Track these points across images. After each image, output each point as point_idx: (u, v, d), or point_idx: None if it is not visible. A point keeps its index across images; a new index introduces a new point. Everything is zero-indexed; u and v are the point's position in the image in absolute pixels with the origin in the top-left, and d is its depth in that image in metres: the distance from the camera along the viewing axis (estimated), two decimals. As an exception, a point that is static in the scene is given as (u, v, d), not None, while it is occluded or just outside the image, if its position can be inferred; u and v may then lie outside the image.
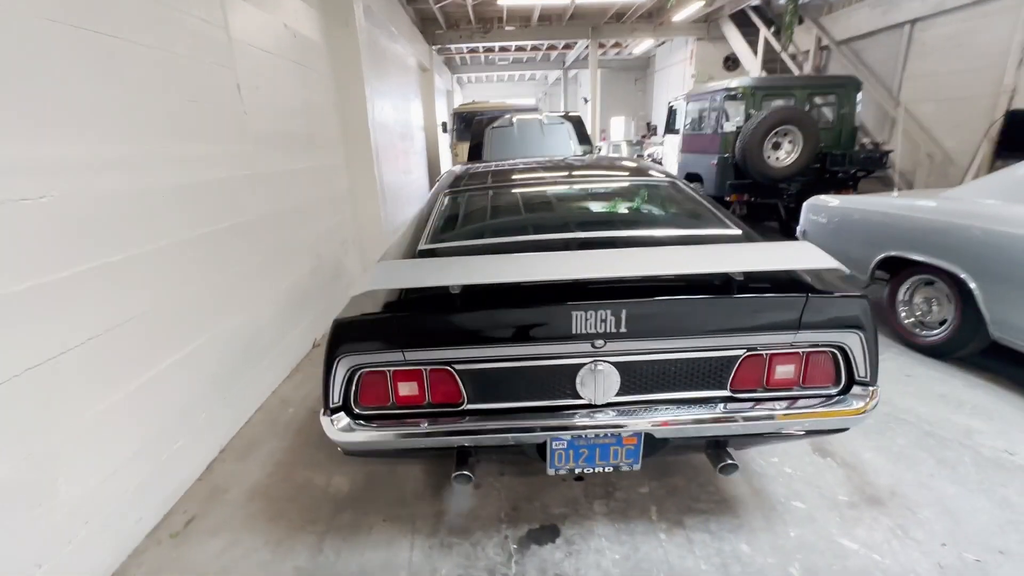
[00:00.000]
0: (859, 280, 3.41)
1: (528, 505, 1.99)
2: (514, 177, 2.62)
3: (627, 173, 2.62)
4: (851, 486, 2.04)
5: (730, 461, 1.59)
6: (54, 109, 1.62)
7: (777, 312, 1.48)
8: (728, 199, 5.81)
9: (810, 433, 1.63)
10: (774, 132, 5.21)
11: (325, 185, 4.09)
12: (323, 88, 4.21)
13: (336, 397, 1.50)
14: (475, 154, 5.32)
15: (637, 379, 1.54)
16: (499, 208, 2.31)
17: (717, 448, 1.66)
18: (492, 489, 2.08)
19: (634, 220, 2.29)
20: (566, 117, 5.61)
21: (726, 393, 1.56)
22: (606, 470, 1.62)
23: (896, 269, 3.29)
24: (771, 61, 8.77)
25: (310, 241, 3.69)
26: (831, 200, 3.88)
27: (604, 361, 1.50)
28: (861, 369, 1.55)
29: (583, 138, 5.22)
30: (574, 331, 1.43)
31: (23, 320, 1.47)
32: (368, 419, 1.55)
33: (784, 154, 5.34)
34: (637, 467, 1.61)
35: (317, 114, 4.02)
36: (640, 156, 9.84)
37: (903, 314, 3.30)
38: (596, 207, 2.40)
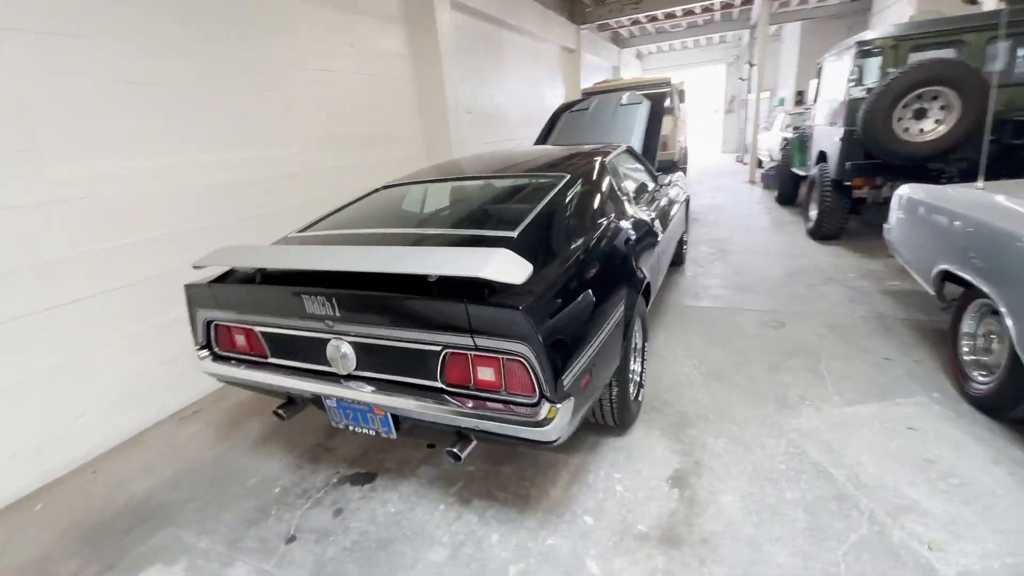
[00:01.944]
0: (526, 294, 2.62)
1: (373, 455, 2.37)
2: (437, 176, 2.83)
3: (527, 171, 2.61)
4: (666, 522, 1.84)
5: (450, 449, 1.70)
6: (107, 137, 2.60)
7: (448, 316, 1.53)
8: (849, 185, 4.67)
9: (515, 440, 1.62)
10: (916, 96, 3.98)
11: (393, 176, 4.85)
12: (398, 90, 4.93)
13: (200, 338, 2.14)
14: (541, 139, 5.43)
15: (369, 359, 1.78)
16: (385, 203, 2.62)
17: (458, 436, 1.77)
18: (364, 438, 2.51)
19: (461, 219, 2.39)
20: (653, 95, 5.22)
21: (439, 385, 1.68)
22: (370, 432, 1.90)
23: (965, 288, 2.44)
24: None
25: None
26: (905, 190, 2.97)
27: (340, 339, 1.78)
28: (542, 383, 1.48)
29: (653, 126, 4.78)
30: (307, 311, 1.76)
31: (81, 270, 2.49)
32: (226, 359, 2.15)
33: (932, 124, 4.03)
34: (392, 436, 1.85)
35: (387, 114, 4.77)
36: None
37: (965, 349, 2.44)
38: (457, 206, 2.55)
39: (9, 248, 2.26)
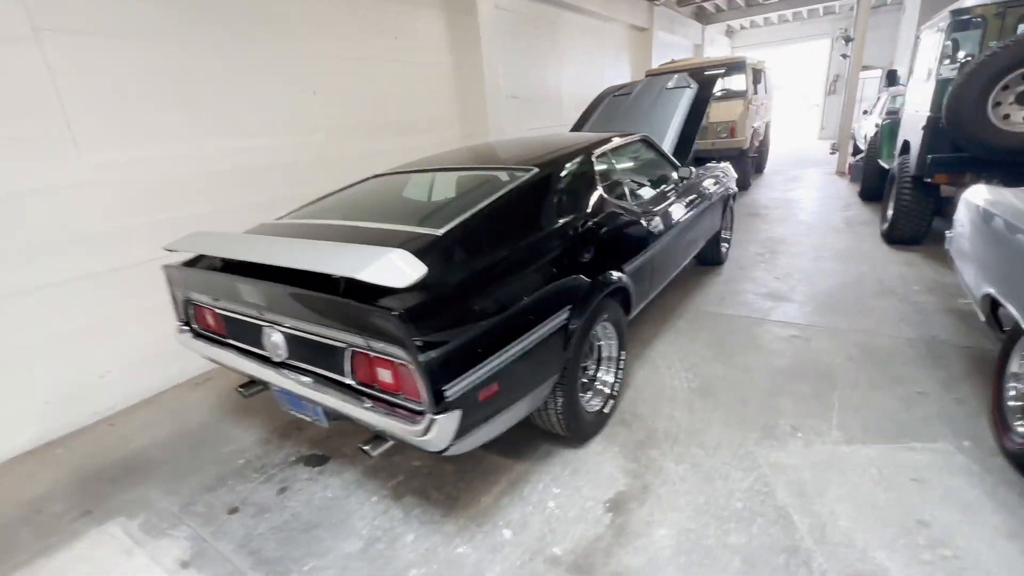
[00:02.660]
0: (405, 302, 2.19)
1: (337, 439, 2.45)
2: (424, 166, 2.78)
3: (499, 164, 2.48)
4: (584, 547, 1.72)
5: (362, 445, 1.70)
6: (139, 125, 2.86)
7: (343, 314, 1.50)
8: (932, 182, 3.97)
9: (412, 444, 1.56)
10: (1020, 76, 3.27)
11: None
12: (435, 75, 4.94)
13: (180, 316, 2.31)
14: (578, 125, 5.16)
15: (296, 350, 1.81)
16: (364, 193, 2.62)
17: (375, 434, 1.77)
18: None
19: (407, 214, 2.32)
20: (704, 77, 4.77)
21: (349, 381, 1.67)
22: (308, 419, 1.95)
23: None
24: None
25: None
26: (972, 192, 2.46)
27: (273, 328, 1.84)
28: (421, 391, 1.41)
29: (696, 112, 4.35)
30: (243, 299, 1.83)
31: (114, 243, 2.79)
32: (202, 336, 2.31)
33: (1041, 111, 3.30)
34: (324, 424, 1.89)
35: (422, 100, 4.80)
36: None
37: (1011, 394, 2.00)
38: (418, 199, 2.49)
39: (50, 222, 2.57)
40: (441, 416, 1.42)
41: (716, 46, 14.47)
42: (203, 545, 1.88)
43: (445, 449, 1.49)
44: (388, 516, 1.94)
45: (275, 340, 1.84)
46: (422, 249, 1.62)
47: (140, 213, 2.91)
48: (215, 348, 2.14)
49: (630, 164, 3.14)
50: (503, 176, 2.26)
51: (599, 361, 2.40)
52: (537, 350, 1.75)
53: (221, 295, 1.97)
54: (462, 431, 1.49)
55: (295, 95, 3.70)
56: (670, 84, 4.81)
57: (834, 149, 10.69)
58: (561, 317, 1.86)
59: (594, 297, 2.04)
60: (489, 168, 2.42)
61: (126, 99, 2.82)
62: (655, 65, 9.27)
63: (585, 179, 2.35)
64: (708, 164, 4.47)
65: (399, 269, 1.40)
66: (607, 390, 2.36)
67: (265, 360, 1.94)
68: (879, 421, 2.22)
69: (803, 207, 6.40)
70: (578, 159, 2.39)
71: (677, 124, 4.36)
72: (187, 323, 2.31)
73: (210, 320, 2.20)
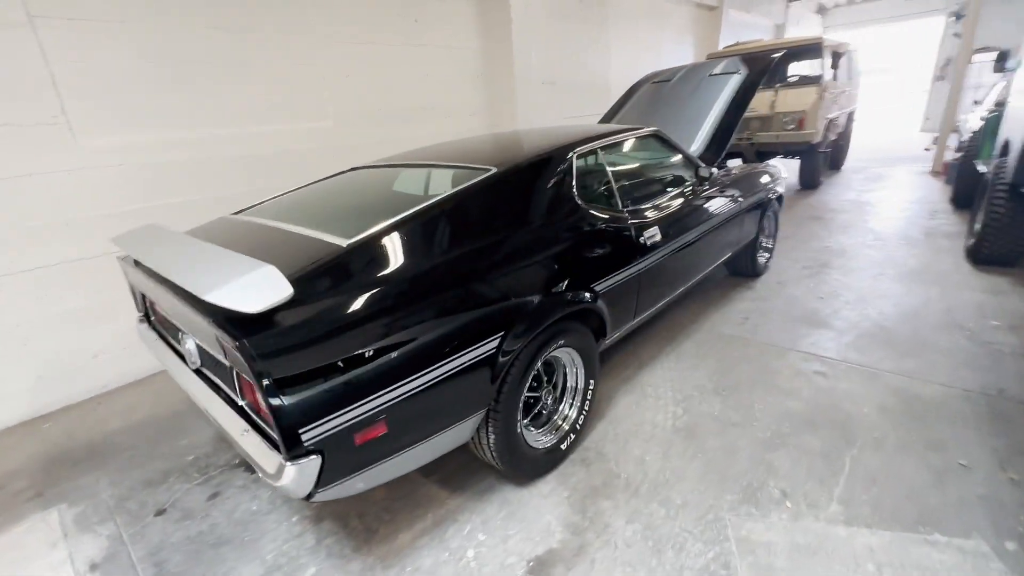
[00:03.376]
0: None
1: (284, 444, 2.36)
2: (388, 162, 2.57)
3: (451, 163, 2.21)
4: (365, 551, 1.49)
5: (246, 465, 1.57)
6: (136, 111, 2.89)
7: (205, 331, 1.34)
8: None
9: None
10: None
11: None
12: (459, 59, 4.71)
13: (139, 308, 2.30)
14: (609, 115, 4.71)
15: (205, 359, 1.70)
16: (315, 190, 2.46)
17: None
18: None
19: (335, 218, 2.09)
20: (757, 62, 4.18)
21: (240, 402, 1.53)
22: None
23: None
24: None
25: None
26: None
27: (187, 333, 1.73)
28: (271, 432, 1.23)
29: (740, 102, 3.80)
30: (159, 300, 1.74)
31: (110, 228, 2.86)
32: (157, 332, 2.28)
33: None
34: None
35: (444, 85, 4.61)
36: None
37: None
38: (369, 198, 2.27)
39: (46, 206, 2.66)
40: (293, 463, 1.24)
41: (804, 25, 13.05)
42: (119, 548, 1.85)
43: (309, 496, 1.31)
44: (299, 541, 1.81)
45: (189, 346, 1.75)
46: (314, 265, 1.43)
47: (138, 199, 2.96)
48: (161, 344, 2.10)
49: (632, 163, 2.78)
50: (461, 175, 2.02)
51: (563, 391, 2.12)
52: (451, 383, 1.52)
53: (148, 294, 1.91)
54: (328, 479, 1.30)
55: (303, 80, 3.63)
56: (717, 69, 4.30)
57: (934, 143, 9.32)
58: (488, 345, 1.61)
59: (545, 319, 1.76)
60: (451, 166, 2.18)
61: (124, 84, 2.84)
62: (722, 48, 8.46)
63: (555, 181, 2.05)
64: (742, 162, 3.94)
65: (255, 291, 1.22)
66: (567, 425, 2.08)
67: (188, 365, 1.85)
68: (897, 498, 1.78)
69: (878, 212, 5.58)
70: (550, 158, 2.09)
71: (716, 115, 3.87)
72: (147, 315, 2.30)
73: (156, 317, 2.16)
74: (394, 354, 1.39)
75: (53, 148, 2.66)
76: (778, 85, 6.73)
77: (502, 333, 1.64)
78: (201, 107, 3.15)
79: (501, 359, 1.64)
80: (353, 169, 2.69)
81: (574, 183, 2.11)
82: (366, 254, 1.52)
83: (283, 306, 1.26)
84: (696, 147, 3.70)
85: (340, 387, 1.29)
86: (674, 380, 2.61)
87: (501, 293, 1.67)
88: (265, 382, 1.18)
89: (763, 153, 7.03)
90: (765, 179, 3.69)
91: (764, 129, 6.58)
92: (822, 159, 7.04)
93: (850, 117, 8.36)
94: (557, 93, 5.91)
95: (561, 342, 1.90)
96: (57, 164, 2.68)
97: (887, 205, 5.85)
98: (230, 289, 1.21)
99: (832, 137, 7.34)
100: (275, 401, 1.19)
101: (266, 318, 1.25)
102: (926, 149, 8.94)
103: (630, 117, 4.40)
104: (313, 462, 1.26)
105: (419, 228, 1.65)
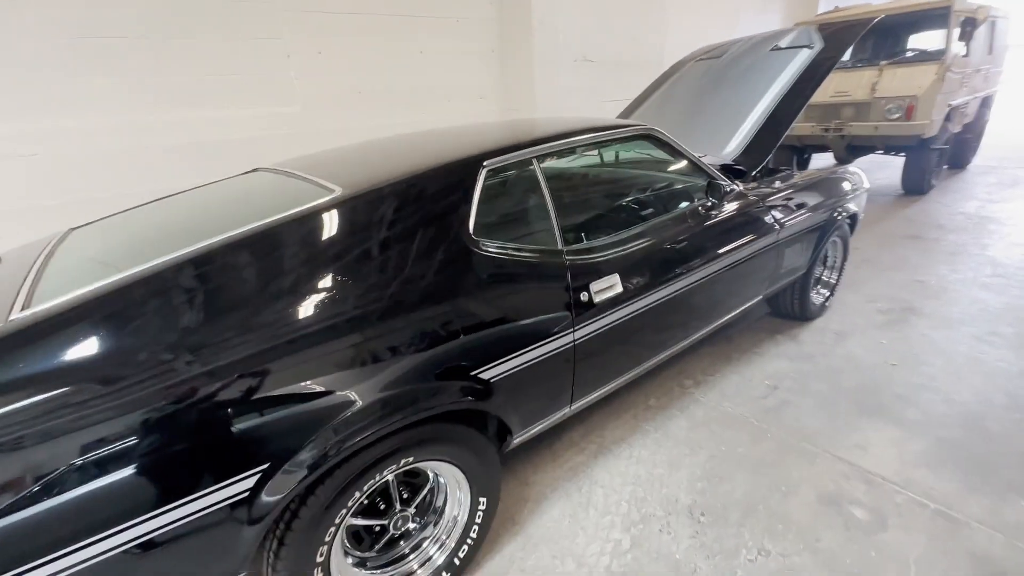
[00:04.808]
0: None
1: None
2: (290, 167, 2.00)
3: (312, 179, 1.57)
4: None
5: None
6: (54, 94, 2.57)
7: None
8: None
9: None
10: None
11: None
12: (464, 33, 4.05)
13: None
14: (636, 103, 3.80)
15: None
16: (178, 203, 1.92)
17: None
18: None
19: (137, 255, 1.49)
20: (840, 34, 3.11)
21: None
22: None
23: None
24: None
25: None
26: None
27: None
28: None
29: (806, 83, 2.79)
30: None
31: (23, 224, 2.60)
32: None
33: None
34: None
35: (444, 63, 3.98)
36: None
37: None
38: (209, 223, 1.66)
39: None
40: None
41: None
42: None
43: None
44: None
45: None
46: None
47: (52, 194, 2.67)
48: None
49: (595, 178, 2.02)
50: (309, 194, 1.40)
51: (439, 515, 1.49)
52: (167, 547, 0.96)
53: None
54: None
55: (263, 57, 3.17)
56: (782, 43, 3.30)
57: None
58: (234, 489, 1.02)
59: (357, 437, 1.13)
60: (307, 180, 1.57)
61: (37, 62, 2.52)
62: (819, 14, 6.99)
63: (434, 211, 1.37)
64: (834, 158, 2.97)
65: None
66: (426, 571, 1.45)
67: None
68: None
69: (1005, 233, 4.23)
70: (438, 176, 1.41)
71: (769, 102, 2.92)
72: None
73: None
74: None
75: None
76: (884, 62, 5.37)
77: (267, 465, 1.04)
78: (136, 89, 2.78)
79: (256, 506, 1.04)
80: (255, 170, 2.17)
81: (472, 212, 1.43)
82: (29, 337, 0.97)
83: None
84: (734, 145, 2.80)
85: None
86: (639, 482, 1.88)
87: (282, 398, 1.06)
88: None
89: (856, 148, 5.72)
90: (834, 192, 2.74)
91: (860, 118, 5.29)
92: (937, 157, 5.58)
93: (985, 103, 6.64)
94: (595, 73, 5.06)
95: (408, 460, 1.27)
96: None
97: (1020, 223, 4.44)
98: None
99: (955, 129, 5.81)
100: None
101: None
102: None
103: (656, 107, 3.53)
104: None
105: (170, 288, 1.08)
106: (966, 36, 5.21)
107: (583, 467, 1.97)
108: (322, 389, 1.11)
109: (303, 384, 1.09)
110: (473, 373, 1.33)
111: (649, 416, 2.23)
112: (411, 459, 1.27)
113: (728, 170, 2.61)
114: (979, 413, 2.12)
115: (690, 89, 3.50)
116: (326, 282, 1.20)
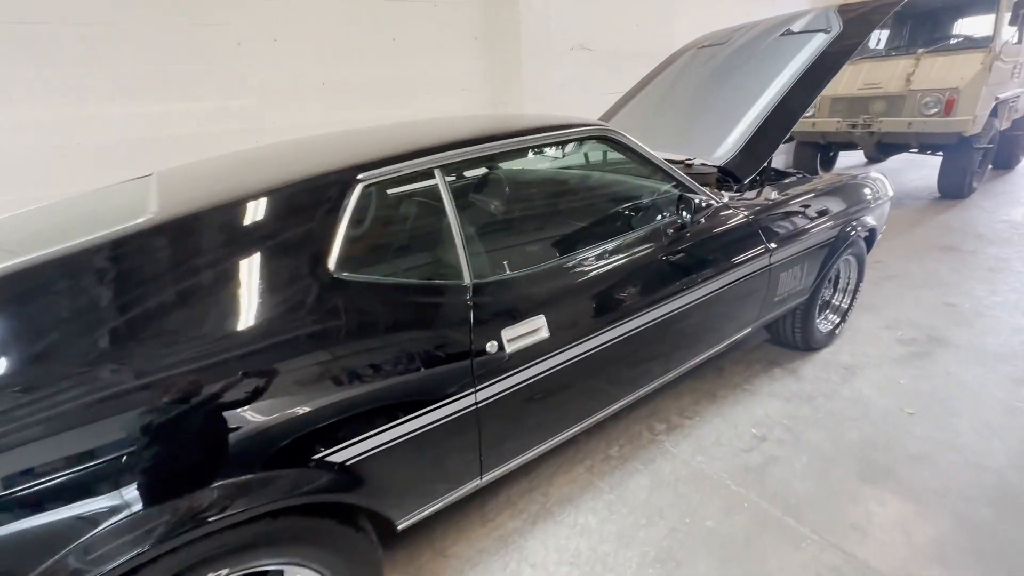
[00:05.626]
0: None
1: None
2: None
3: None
4: None
5: None
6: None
7: None
8: None
9: None
10: None
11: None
12: (445, 19, 3.70)
13: None
14: (627, 96, 3.39)
15: None
16: (65, 208, 1.64)
17: None
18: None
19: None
20: (863, 17, 2.67)
21: None
22: None
23: None
24: None
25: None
26: None
27: None
28: None
29: (819, 73, 2.38)
30: None
31: None
32: None
33: None
34: None
35: (422, 52, 3.65)
36: None
37: None
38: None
39: None
40: None
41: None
42: None
43: None
44: None
45: None
46: None
47: (-26, 193, 2.46)
48: None
49: (525, 193, 1.68)
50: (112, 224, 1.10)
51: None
52: None
53: None
54: None
55: (208, 47, 2.89)
56: (795, 26, 2.88)
57: None
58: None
59: (125, 554, 0.84)
60: (147, 199, 1.26)
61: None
62: None
63: (273, 241, 1.05)
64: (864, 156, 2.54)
65: None
66: None
67: None
68: None
69: (1058, 247, 3.69)
70: (283, 196, 1.09)
71: (775, 93, 2.51)
72: None
73: None
74: None
75: None
76: (922, 50, 4.81)
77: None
78: (59, 81, 2.54)
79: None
80: (148, 175, 1.89)
81: (336, 238, 1.10)
82: None
83: None
84: (730, 145, 2.41)
85: None
86: (578, 562, 1.54)
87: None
88: None
89: (888, 146, 5.18)
90: (850, 202, 2.33)
91: (892, 113, 4.76)
92: (980, 157, 5.00)
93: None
94: (594, 63, 4.65)
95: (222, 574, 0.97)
96: None
97: (1078, 235, 3.88)
98: None
99: (1004, 125, 5.21)
100: None
101: None
102: None
103: (650, 102, 3.14)
104: None
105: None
106: (1018, 20, 4.61)
107: (516, 536, 1.64)
108: (72, 491, 0.81)
109: (41, 484, 0.79)
110: (318, 456, 1.01)
111: (607, 470, 1.88)
112: (225, 572, 0.96)
113: (723, 175, 2.23)
114: (1017, 486, 1.70)
115: (689, 81, 3.09)
116: (99, 336, 0.89)
